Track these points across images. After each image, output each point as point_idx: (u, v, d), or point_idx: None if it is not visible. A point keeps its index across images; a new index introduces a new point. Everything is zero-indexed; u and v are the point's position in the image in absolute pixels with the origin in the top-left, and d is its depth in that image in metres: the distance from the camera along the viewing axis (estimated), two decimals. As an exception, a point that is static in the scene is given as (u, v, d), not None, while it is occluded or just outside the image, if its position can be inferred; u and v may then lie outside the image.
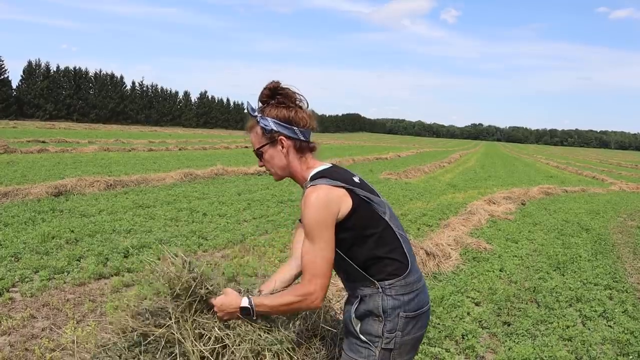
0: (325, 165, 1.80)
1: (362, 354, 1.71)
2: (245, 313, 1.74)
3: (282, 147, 1.77)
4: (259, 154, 1.81)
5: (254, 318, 1.76)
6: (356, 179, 1.76)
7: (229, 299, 1.76)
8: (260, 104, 1.80)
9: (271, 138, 1.76)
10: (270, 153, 1.79)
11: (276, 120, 1.74)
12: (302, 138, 1.77)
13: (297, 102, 1.78)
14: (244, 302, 1.73)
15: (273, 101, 1.77)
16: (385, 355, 1.70)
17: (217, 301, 1.78)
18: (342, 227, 1.67)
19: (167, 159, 17.81)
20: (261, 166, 1.86)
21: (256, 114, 1.79)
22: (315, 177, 1.72)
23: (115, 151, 20.16)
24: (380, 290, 1.70)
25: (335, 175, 1.72)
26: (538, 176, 22.54)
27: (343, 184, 1.68)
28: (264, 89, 1.77)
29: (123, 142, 26.15)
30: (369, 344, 1.70)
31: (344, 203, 1.66)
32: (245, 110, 1.83)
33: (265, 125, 1.75)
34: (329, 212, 1.63)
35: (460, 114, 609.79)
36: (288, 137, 1.76)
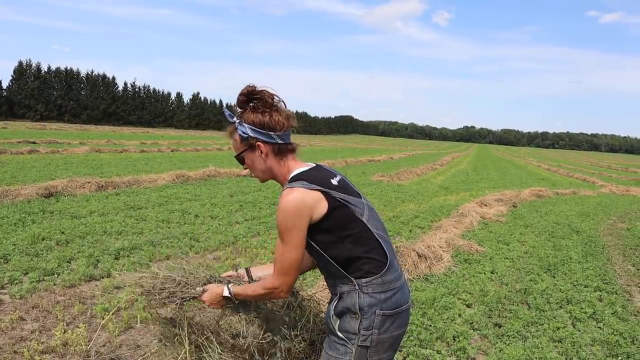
0: (306, 166, 1.81)
1: (339, 351, 1.73)
2: (228, 300, 1.92)
3: (261, 152, 1.78)
4: (240, 159, 1.85)
5: (236, 302, 1.93)
6: (335, 181, 1.77)
7: (212, 292, 1.94)
8: (238, 109, 1.80)
9: (249, 144, 1.79)
10: (251, 158, 1.82)
11: (252, 127, 1.76)
12: (280, 142, 1.78)
13: (274, 105, 1.77)
14: (225, 292, 1.90)
15: (250, 106, 1.77)
16: (361, 353, 1.71)
17: (204, 297, 1.96)
18: (319, 229, 1.70)
19: (159, 161, 17.73)
20: (245, 169, 1.89)
21: (234, 119, 1.80)
22: (293, 179, 1.74)
23: (107, 152, 20.05)
24: (357, 287, 1.72)
25: (312, 178, 1.73)
26: (529, 178, 22.67)
27: (319, 187, 1.69)
28: (240, 94, 1.77)
29: (115, 144, 25.99)
30: (346, 341, 1.72)
31: (319, 206, 1.68)
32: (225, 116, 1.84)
33: (243, 132, 1.77)
34: (300, 215, 1.66)
35: (452, 117, 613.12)
36: (265, 142, 1.77)
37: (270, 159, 1.79)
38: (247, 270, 2.07)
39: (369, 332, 1.70)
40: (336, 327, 1.75)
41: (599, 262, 6.53)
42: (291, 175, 1.77)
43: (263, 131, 1.75)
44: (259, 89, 1.76)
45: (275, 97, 1.77)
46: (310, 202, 1.67)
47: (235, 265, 2.12)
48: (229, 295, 1.89)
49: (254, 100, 1.76)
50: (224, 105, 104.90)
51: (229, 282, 1.97)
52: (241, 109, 1.79)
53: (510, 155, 59.43)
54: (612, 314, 4.55)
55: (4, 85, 67.65)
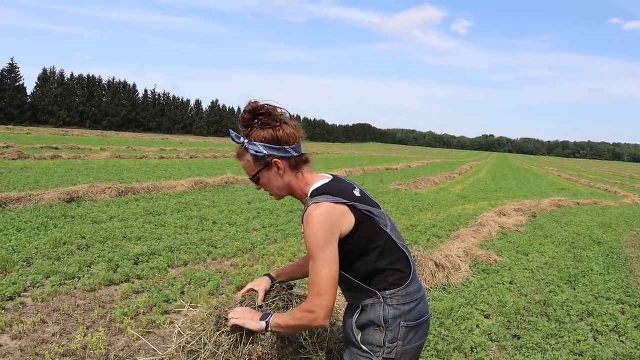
0: (325, 179, 1.76)
1: None
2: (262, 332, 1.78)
3: (279, 168, 1.71)
4: (256, 180, 1.76)
5: (268, 334, 1.81)
6: (357, 193, 1.74)
7: (250, 313, 1.82)
8: (244, 129, 1.72)
9: (265, 163, 1.71)
10: (267, 177, 1.74)
11: (266, 144, 1.68)
12: (295, 154, 1.72)
13: (281, 118, 1.70)
14: (262, 326, 1.75)
15: (257, 123, 1.69)
16: None
17: (236, 309, 1.84)
18: (345, 242, 1.66)
19: (178, 167, 17.93)
20: (259, 189, 1.81)
21: (242, 140, 1.71)
22: (316, 193, 1.68)
23: (127, 159, 20.34)
24: (381, 300, 1.70)
25: (336, 191, 1.68)
26: (549, 188, 22.35)
27: (345, 200, 1.65)
28: (244, 112, 1.70)
29: (135, 150, 26.38)
30: (371, 354, 1.70)
31: (346, 220, 1.64)
32: (231, 139, 1.75)
33: (257, 152, 1.69)
34: (331, 229, 1.60)
35: (471, 125, 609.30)
36: (282, 158, 1.70)
37: (287, 174, 1.73)
38: (272, 279, 2.02)
39: (394, 345, 1.68)
40: (359, 340, 1.72)
41: (622, 275, 6.40)
42: (312, 189, 1.71)
43: (278, 146, 1.68)
44: (263, 104, 1.69)
45: (279, 109, 1.71)
46: (338, 215, 1.62)
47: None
48: (266, 329, 1.75)
49: (260, 116, 1.68)
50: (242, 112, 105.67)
51: (266, 312, 1.83)
52: (247, 127, 1.70)
53: (530, 165, 58.69)
54: (635, 327, 4.45)
55: (29, 92, 69.26)
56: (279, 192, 1.78)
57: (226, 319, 1.83)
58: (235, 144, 1.73)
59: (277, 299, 1.95)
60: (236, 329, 1.80)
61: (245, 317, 1.79)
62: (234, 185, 12.97)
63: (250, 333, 1.81)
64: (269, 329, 1.74)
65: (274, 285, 2.01)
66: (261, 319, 1.75)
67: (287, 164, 1.71)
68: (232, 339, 1.80)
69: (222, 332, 1.83)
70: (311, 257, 1.61)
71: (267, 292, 1.98)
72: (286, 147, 1.69)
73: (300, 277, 2.08)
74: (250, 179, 1.77)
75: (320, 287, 1.60)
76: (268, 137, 1.67)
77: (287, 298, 1.96)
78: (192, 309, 2.04)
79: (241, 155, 1.75)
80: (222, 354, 1.78)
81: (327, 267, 1.60)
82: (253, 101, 1.69)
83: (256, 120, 1.68)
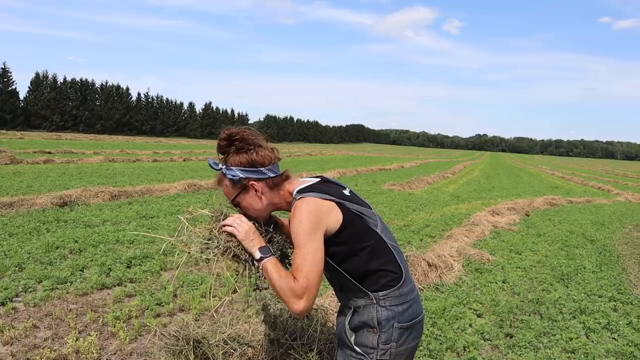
0: (312, 180, 1.79)
1: None
2: (253, 258, 1.73)
3: (256, 190, 1.76)
4: (236, 204, 1.81)
5: (256, 265, 1.73)
6: (346, 192, 1.76)
7: (254, 234, 1.74)
8: (221, 156, 1.79)
9: (242, 186, 1.76)
10: (246, 200, 1.78)
11: (241, 167, 1.73)
12: (272, 175, 1.76)
13: (255, 142, 1.75)
14: (257, 255, 1.70)
15: (232, 149, 1.75)
16: None
17: (234, 219, 1.78)
18: (334, 241, 1.67)
19: (171, 170, 17.88)
20: (242, 213, 1.83)
21: (220, 166, 1.77)
22: (303, 190, 1.71)
23: (120, 162, 20.27)
24: (374, 301, 1.70)
25: (324, 189, 1.71)
26: (543, 187, 22.46)
27: (332, 197, 1.68)
28: (219, 139, 1.76)
29: (128, 153, 26.27)
30: (364, 356, 1.71)
31: (334, 215, 1.66)
32: (209, 166, 1.80)
33: (234, 176, 1.74)
34: (318, 220, 1.62)
35: (464, 125, 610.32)
36: (258, 180, 1.74)
37: (266, 194, 1.77)
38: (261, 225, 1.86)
39: (387, 346, 1.69)
40: (352, 342, 1.73)
41: (614, 272, 6.44)
42: (298, 189, 1.73)
43: (253, 169, 1.73)
44: (237, 130, 1.75)
45: (253, 133, 1.76)
46: (326, 210, 1.64)
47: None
48: (259, 257, 1.70)
49: (235, 142, 1.74)
50: (236, 114, 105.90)
51: (270, 249, 1.75)
52: (224, 154, 1.78)
53: (523, 164, 58.94)
54: (627, 324, 4.48)
55: (21, 96, 68.85)
56: (261, 213, 1.81)
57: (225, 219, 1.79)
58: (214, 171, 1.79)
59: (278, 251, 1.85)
60: (229, 235, 1.76)
61: (247, 233, 1.74)
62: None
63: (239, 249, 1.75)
64: (259, 265, 1.70)
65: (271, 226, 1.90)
66: (260, 249, 1.71)
67: (264, 185, 1.76)
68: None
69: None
70: (296, 247, 1.61)
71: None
72: (262, 169, 1.74)
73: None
74: (230, 203, 1.81)
75: (306, 272, 1.58)
76: (243, 161, 1.73)
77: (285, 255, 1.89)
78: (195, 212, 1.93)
79: (220, 181, 1.80)
80: (234, 247, 1.74)
81: (313, 254, 1.60)
82: (228, 128, 1.75)
83: (232, 146, 1.74)
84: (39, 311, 3.93)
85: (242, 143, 1.74)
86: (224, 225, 1.77)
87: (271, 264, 1.67)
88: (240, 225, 1.76)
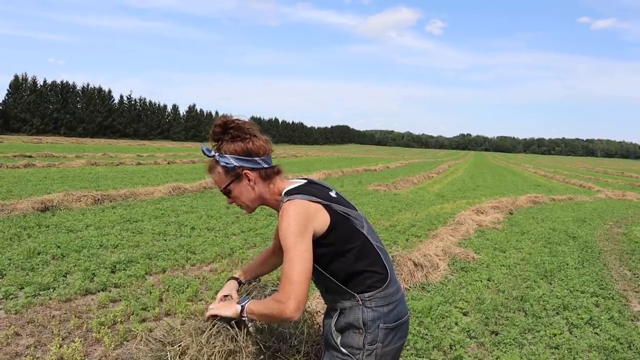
0: (299, 182, 1.79)
1: None
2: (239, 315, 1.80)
3: (249, 180, 1.75)
4: (227, 192, 1.79)
5: (248, 323, 1.79)
6: (332, 194, 1.77)
7: (225, 303, 1.85)
8: (214, 143, 1.76)
9: (235, 174, 1.74)
10: (238, 189, 1.77)
11: (236, 155, 1.72)
12: (266, 166, 1.75)
13: (251, 131, 1.74)
14: (237, 309, 1.76)
15: (227, 137, 1.73)
16: None
17: (213, 305, 1.88)
18: (321, 243, 1.67)
19: (155, 173, 17.72)
20: (230, 203, 1.84)
21: (213, 153, 1.75)
22: (290, 192, 1.71)
23: (103, 165, 20.04)
24: (360, 302, 1.71)
25: (311, 191, 1.71)
26: (526, 185, 22.75)
27: (319, 200, 1.68)
28: (214, 126, 1.74)
29: (111, 156, 26.00)
30: (350, 356, 1.71)
31: (321, 218, 1.66)
32: (202, 153, 1.78)
33: (227, 164, 1.72)
34: (306, 223, 1.62)
35: (448, 125, 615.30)
36: (252, 169, 1.74)
37: (258, 185, 1.76)
38: (239, 281, 2.04)
39: (373, 347, 1.70)
40: (339, 343, 1.73)
41: (596, 268, 6.54)
42: (285, 190, 1.74)
43: (248, 158, 1.72)
44: (234, 118, 1.73)
45: (249, 123, 1.75)
46: (313, 212, 1.65)
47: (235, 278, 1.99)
48: (242, 316, 1.75)
49: (231, 129, 1.72)
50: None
51: (243, 297, 1.85)
52: (218, 141, 1.75)
53: (507, 162, 59.62)
54: (608, 319, 4.55)
55: (0, 99, 67.73)
56: (250, 203, 1.81)
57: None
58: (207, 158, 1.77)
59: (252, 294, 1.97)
60: (214, 318, 1.81)
61: (221, 306, 1.83)
62: (213, 189, 12.87)
63: (229, 321, 1.81)
64: (244, 314, 1.74)
65: (241, 286, 2.04)
66: (237, 303, 1.78)
67: (257, 175, 1.75)
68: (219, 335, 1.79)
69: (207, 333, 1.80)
70: (285, 250, 1.61)
71: (238, 292, 2.01)
72: (256, 159, 1.73)
73: (268, 271, 2.12)
74: (221, 191, 1.79)
75: (292, 277, 1.58)
76: (238, 149, 1.71)
77: (261, 293, 1.99)
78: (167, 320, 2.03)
79: (212, 169, 1.78)
80: (222, 326, 1.79)
81: (300, 257, 1.59)
82: (223, 115, 1.74)
83: (227, 134, 1.72)
84: (21, 318, 3.86)
85: (238, 131, 1.72)
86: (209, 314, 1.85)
87: (252, 303, 1.74)
88: (212, 303, 1.88)
